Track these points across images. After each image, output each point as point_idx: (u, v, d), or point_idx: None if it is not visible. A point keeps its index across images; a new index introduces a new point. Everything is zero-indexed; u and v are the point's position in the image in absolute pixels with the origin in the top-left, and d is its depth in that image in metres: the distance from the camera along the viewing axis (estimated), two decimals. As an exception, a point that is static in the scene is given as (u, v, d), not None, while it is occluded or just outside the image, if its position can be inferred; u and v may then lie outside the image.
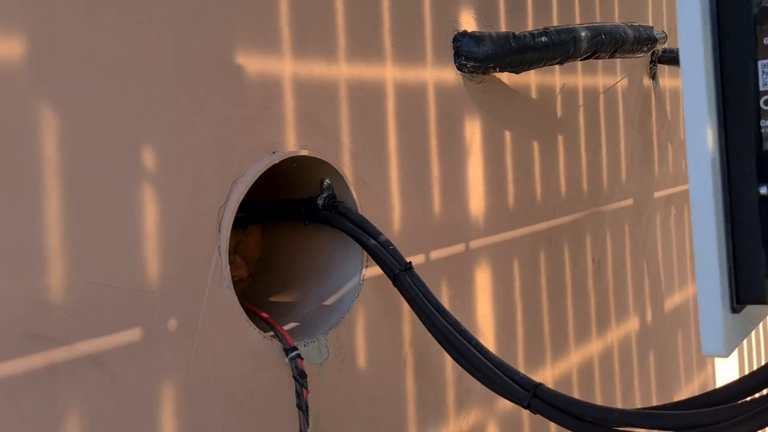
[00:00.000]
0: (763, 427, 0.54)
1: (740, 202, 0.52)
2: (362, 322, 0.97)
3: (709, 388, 2.04)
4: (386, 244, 0.90)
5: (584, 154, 1.53)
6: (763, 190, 0.52)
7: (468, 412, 1.14)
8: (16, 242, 0.62)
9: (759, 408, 0.53)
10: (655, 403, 1.75)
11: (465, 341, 0.80)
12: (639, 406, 1.67)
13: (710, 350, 0.50)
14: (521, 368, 1.29)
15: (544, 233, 1.39)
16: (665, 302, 1.83)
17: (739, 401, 0.57)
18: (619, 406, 1.59)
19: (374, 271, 0.98)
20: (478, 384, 1.18)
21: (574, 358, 1.46)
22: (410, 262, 0.89)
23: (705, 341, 0.51)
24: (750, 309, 0.56)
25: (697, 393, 1.96)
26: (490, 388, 0.78)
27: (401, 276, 0.87)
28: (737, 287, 0.50)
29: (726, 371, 2.35)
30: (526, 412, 1.30)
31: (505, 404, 1.23)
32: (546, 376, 1.37)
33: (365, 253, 0.96)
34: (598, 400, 1.53)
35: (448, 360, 1.12)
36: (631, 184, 1.70)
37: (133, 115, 0.72)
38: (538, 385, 0.73)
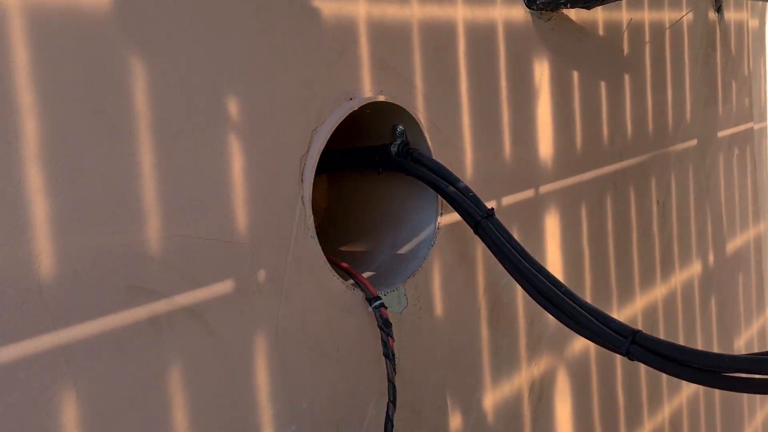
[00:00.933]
0: None
1: None
2: (438, 270, 0.96)
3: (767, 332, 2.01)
4: (465, 191, 0.88)
5: (650, 94, 1.47)
6: None
7: (539, 359, 1.14)
8: (116, 196, 0.61)
9: None
10: (716, 347, 1.73)
11: (553, 287, 0.78)
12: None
13: None
14: (590, 314, 1.27)
15: (611, 176, 1.35)
16: (727, 245, 1.79)
17: None
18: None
19: (449, 218, 0.96)
20: (549, 331, 1.17)
21: (639, 303, 1.43)
22: (492, 209, 0.86)
23: None
24: None
25: (755, 337, 1.93)
26: (583, 335, 0.76)
27: (484, 223, 0.85)
28: None
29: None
30: (594, 358, 1.29)
31: (574, 350, 1.22)
32: (611, 321, 1.36)
33: (440, 200, 0.94)
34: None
35: (521, 308, 1.11)
36: (695, 123, 1.64)
37: (217, 64, 0.70)
38: (636, 332, 0.71)
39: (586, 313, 0.75)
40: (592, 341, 0.75)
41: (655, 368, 0.69)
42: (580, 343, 1.24)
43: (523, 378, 1.10)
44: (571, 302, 0.77)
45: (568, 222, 1.23)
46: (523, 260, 0.82)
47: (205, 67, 0.68)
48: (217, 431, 0.69)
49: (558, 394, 1.18)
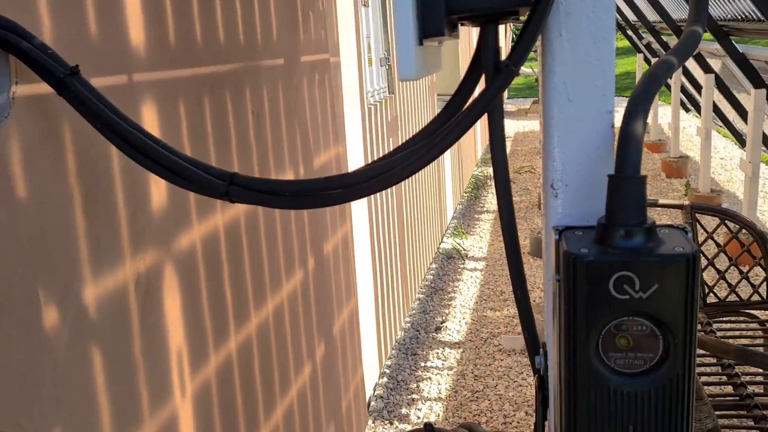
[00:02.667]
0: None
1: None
2: (16, 149, 0.84)
3: (350, 240, 2.31)
4: (43, 48, 0.78)
5: (240, 6, 1.52)
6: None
7: (144, 253, 1.10)
8: None
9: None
10: (309, 249, 1.92)
11: (152, 143, 0.76)
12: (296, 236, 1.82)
13: (405, 75, 0.58)
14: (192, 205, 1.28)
15: (207, 79, 1.36)
16: (314, 160, 1.99)
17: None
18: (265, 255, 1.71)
19: (29, 89, 0.85)
20: (154, 225, 1.14)
21: (239, 206, 1.50)
22: (77, 66, 0.79)
23: (401, 68, 0.58)
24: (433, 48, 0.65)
25: (340, 243, 2.21)
26: (184, 187, 0.76)
27: (68, 81, 0.77)
28: (423, 23, 0.58)
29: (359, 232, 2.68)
30: (201, 253, 1.30)
31: (180, 246, 1.22)
32: (216, 220, 1.39)
33: (14, 65, 0.81)
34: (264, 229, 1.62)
35: (121, 198, 1.05)
36: (282, 44, 1.76)
37: None
38: (234, 174, 0.74)
39: (185, 163, 0.75)
40: (194, 191, 0.76)
41: (255, 203, 0.73)
42: (186, 239, 1.24)
43: (128, 271, 1.05)
44: (170, 155, 0.75)
45: (167, 117, 1.20)
46: (116, 117, 0.77)
47: None
48: None
49: (167, 289, 1.16)
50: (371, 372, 2.83)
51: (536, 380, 0.77)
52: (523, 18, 0.66)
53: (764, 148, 6.02)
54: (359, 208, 2.55)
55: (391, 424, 2.79)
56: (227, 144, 1.45)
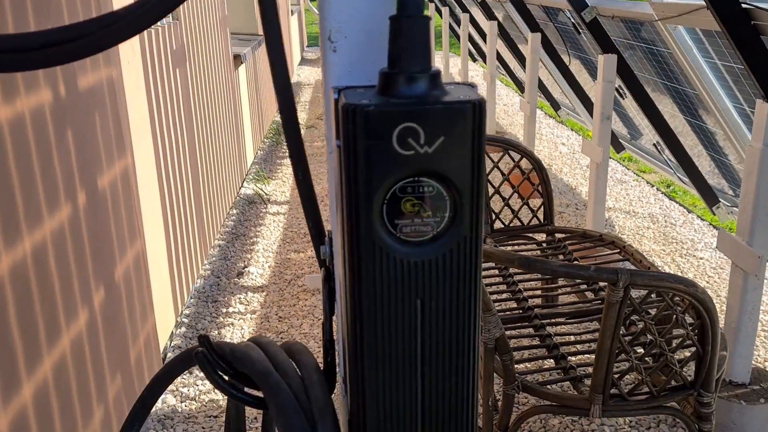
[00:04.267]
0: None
1: None
2: None
3: (132, 177, 2.08)
4: None
5: None
6: None
7: None
8: None
9: None
10: (78, 180, 1.68)
11: None
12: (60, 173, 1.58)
13: None
14: None
15: None
16: (78, 79, 1.73)
17: None
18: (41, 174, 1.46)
19: None
20: None
21: None
22: None
23: None
24: None
25: (119, 177, 1.97)
26: None
27: None
28: None
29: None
30: None
31: None
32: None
33: None
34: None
35: None
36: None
37: None
38: None
39: None
40: None
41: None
42: None
43: None
44: None
45: None
46: None
47: None
48: None
49: None
50: (166, 321, 2.63)
51: (323, 273, 0.70)
52: None
53: (540, 95, 6.59)
54: (143, 143, 2.31)
55: (191, 373, 2.64)
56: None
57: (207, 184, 3.51)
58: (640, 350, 2.05)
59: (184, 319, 3.03)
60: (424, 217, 0.54)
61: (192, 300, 3.22)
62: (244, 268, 3.62)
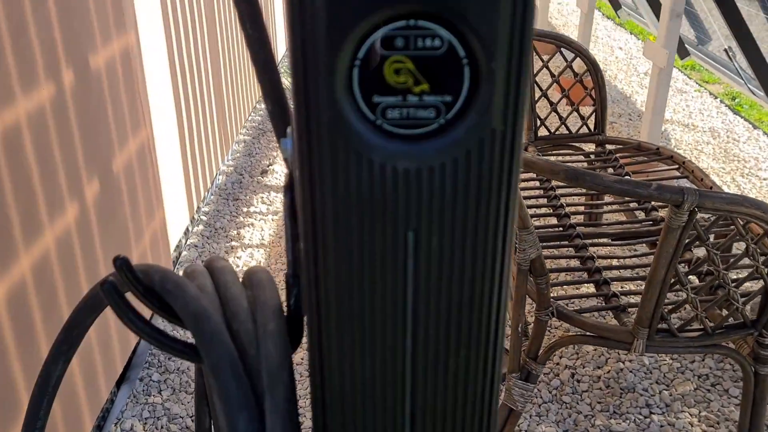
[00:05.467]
0: None
1: None
2: None
3: (133, 53, 1.86)
4: None
5: None
6: None
7: None
8: None
9: None
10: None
11: None
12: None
13: None
14: None
15: None
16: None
17: None
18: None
19: None
20: None
21: None
22: None
23: None
24: None
25: (118, 59, 1.76)
26: None
27: None
28: None
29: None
30: None
31: None
32: None
33: None
34: None
35: None
36: None
37: None
38: None
39: None
40: None
41: None
42: None
43: None
44: None
45: None
46: None
47: None
48: None
49: None
50: (179, 218, 2.49)
51: (286, 179, 0.48)
52: None
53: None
54: (152, 17, 2.07)
55: (206, 273, 2.52)
56: None
57: (229, 73, 3.27)
58: (695, 281, 1.82)
59: (203, 217, 2.89)
60: (422, 94, 0.32)
61: (212, 197, 3.08)
62: (268, 166, 3.44)
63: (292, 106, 0.34)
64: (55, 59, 1.42)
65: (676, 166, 2.17)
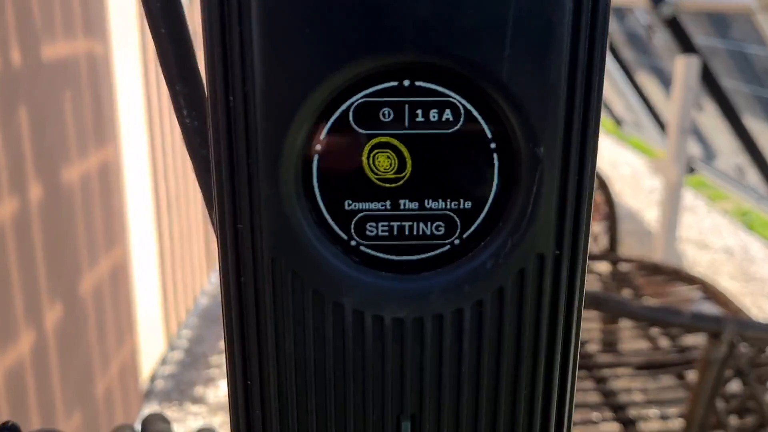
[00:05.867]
0: None
1: None
2: None
3: (113, 167, 1.77)
4: None
5: None
6: None
7: None
8: None
9: None
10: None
11: None
12: None
13: None
14: None
15: None
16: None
17: None
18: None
19: None
20: None
21: None
22: None
23: None
24: None
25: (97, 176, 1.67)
26: None
27: None
28: None
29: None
30: None
31: None
32: None
33: None
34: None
35: None
36: None
37: None
38: None
39: None
40: None
41: None
42: None
43: None
44: None
45: None
46: None
47: None
48: None
49: None
50: (154, 345, 2.32)
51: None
52: None
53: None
54: (133, 132, 2.01)
55: (181, 406, 2.31)
56: None
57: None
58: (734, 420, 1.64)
59: (183, 342, 2.71)
60: (423, 198, 0.20)
61: (195, 320, 2.91)
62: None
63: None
64: (21, 172, 1.32)
65: (697, 288, 2.05)
